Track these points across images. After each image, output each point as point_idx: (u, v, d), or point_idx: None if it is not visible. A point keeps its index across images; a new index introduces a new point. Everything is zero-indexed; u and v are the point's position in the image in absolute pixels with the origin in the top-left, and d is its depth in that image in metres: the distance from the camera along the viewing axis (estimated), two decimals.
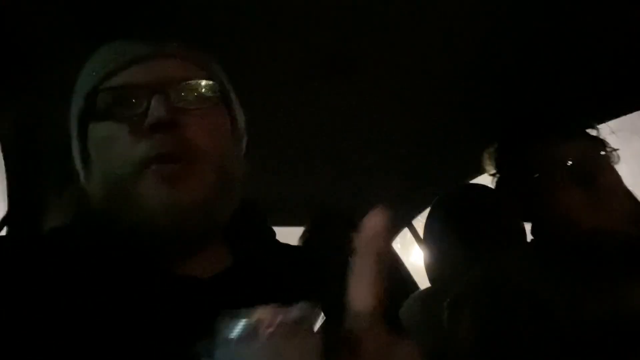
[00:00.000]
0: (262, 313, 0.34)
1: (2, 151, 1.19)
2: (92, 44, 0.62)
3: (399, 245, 2.34)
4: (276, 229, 0.73)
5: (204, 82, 0.59)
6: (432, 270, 1.48)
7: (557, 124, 0.99)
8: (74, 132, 0.61)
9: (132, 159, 0.54)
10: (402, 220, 2.13)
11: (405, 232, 2.19)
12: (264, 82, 1.04)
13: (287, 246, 0.72)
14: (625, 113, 1.27)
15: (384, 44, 1.02)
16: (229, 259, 0.62)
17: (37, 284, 0.50)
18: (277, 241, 0.71)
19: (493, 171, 1.10)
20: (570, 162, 0.95)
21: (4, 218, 1.23)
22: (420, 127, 1.46)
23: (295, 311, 0.35)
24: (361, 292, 0.41)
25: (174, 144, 0.54)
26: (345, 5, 0.89)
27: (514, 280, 0.96)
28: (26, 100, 1.08)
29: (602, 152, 0.98)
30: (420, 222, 1.97)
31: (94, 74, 0.59)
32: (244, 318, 0.34)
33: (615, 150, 1.01)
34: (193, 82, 0.58)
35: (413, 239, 2.16)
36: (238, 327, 0.33)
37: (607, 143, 1.01)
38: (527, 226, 1.13)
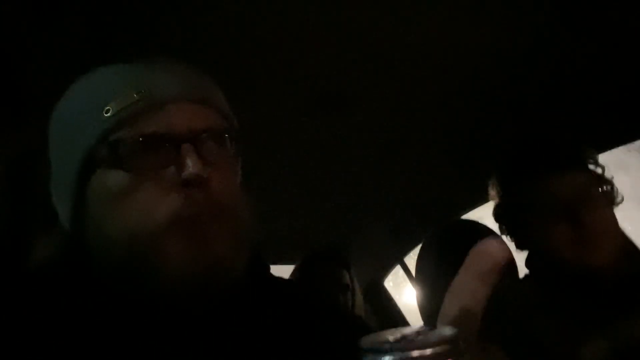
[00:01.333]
0: (407, 336, 0.33)
1: None
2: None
3: (391, 284, 2.31)
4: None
5: (226, 133, 0.56)
6: (424, 309, 1.46)
7: (552, 158, 1.00)
8: (71, 175, 0.53)
9: (158, 216, 0.49)
10: (394, 258, 2.11)
11: (398, 269, 2.17)
12: (257, 120, 1.05)
13: (282, 280, 0.70)
14: (610, 147, 1.29)
15: (378, 82, 1.04)
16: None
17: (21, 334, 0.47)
18: (272, 275, 0.69)
19: (495, 196, 1.10)
20: (562, 197, 0.95)
21: None
22: (412, 164, 1.47)
23: (439, 334, 0.34)
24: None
25: (205, 203, 0.50)
26: (340, 45, 0.91)
27: (509, 317, 0.95)
28: (18, 140, 1.08)
29: (598, 189, 0.98)
30: (412, 259, 1.96)
31: (105, 114, 0.51)
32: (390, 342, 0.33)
33: (611, 188, 1.00)
34: (217, 132, 0.54)
35: (405, 277, 2.14)
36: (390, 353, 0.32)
37: (606, 179, 1.01)
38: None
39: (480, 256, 0.92)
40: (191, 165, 0.50)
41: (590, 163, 1.01)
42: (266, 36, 0.89)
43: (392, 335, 0.34)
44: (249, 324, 0.55)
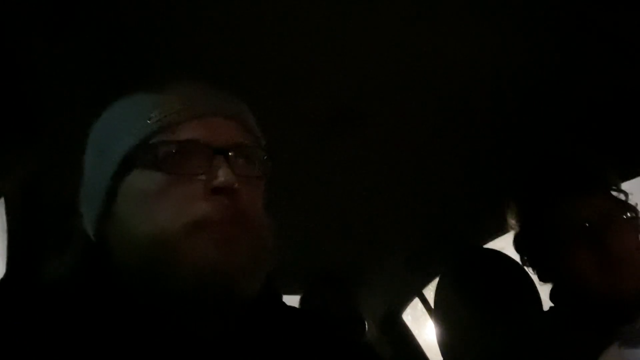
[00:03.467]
0: None
1: (5, 209, 1.19)
2: (98, 101, 0.62)
3: (409, 318, 2.23)
4: None
5: (258, 151, 0.60)
6: (444, 343, 1.40)
7: (574, 182, 0.96)
8: (106, 176, 0.57)
9: (184, 218, 0.51)
10: (411, 290, 2.05)
11: (417, 303, 2.10)
12: (268, 139, 1.05)
13: (293, 309, 0.71)
14: (636, 175, 1.24)
15: (394, 102, 1.03)
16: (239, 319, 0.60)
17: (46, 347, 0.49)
18: (284, 304, 0.70)
19: (515, 225, 1.06)
20: (586, 223, 0.91)
21: (2, 280, 1.20)
22: (431, 189, 1.44)
23: None
24: None
25: (231, 210, 0.53)
26: (355, 62, 0.91)
27: (533, 352, 0.90)
28: (32, 158, 1.10)
29: (623, 216, 0.94)
30: (432, 292, 1.90)
31: (148, 121, 0.56)
32: None
33: (636, 214, 0.96)
34: (250, 148, 0.58)
35: (424, 310, 2.07)
36: None
37: (630, 206, 0.97)
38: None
39: None
40: (222, 175, 0.53)
41: (614, 189, 0.98)
42: (280, 54, 0.89)
43: None
44: (257, 347, 0.56)
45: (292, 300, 1.73)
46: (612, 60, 0.96)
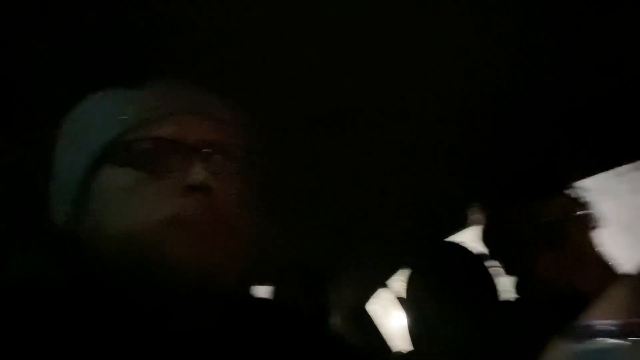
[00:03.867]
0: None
1: None
2: (64, 95, 0.61)
3: (377, 307, 2.28)
4: None
5: (238, 149, 0.59)
6: (411, 332, 1.44)
7: (535, 183, 1.01)
8: (79, 172, 0.56)
9: (158, 215, 0.52)
10: (380, 281, 2.09)
11: (383, 292, 2.15)
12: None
13: (265, 301, 0.75)
14: (598, 172, 1.31)
15: (375, 102, 1.05)
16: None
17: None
18: (256, 296, 0.72)
19: (480, 226, 1.11)
20: (543, 222, 0.96)
21: None
22: (402, 186, 1.47)
23: None
24: None
25: (207, 208, 0.53)
26: (341, 63, 0.92)
27: (493, 340, 0.95)
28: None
29: (580, 214, 0.99)
30: (399, 282, 1.94)
31: (125, 117, 0.56)
32: None
33: (591, 212, 1.02)
34: (227, 146, 0.58)
35: (392, 299, 2.12)
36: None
37: (585, 204, 1.03)
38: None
39: None
40: (197, 173, 0.53)
41: (573, 188, 1.03)
42: (264, 52, 0.89)
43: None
44: (229, 340, 0.57)
45: (264, 290, 1.74)
46: (577, 67, 1.01)
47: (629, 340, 0.32)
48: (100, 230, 0.54)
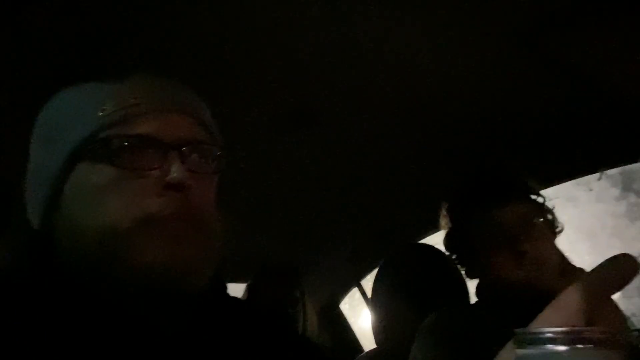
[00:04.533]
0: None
1: None
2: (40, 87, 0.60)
3: (347, 306, 2.31)
4: None
5: (214, 148, 0.59)
6: (378, 331, 1.47)
7: (498, 190, 1.03)
8: (54, 167, 0.55)
9: (136, 213, 0.51)
10: (351, 280, 2.12)
11: (355, 292, 2.17)
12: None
13: (236, 300, 0.71)
14: (561, 181, 1.36)
15: (343, 102, 1.06)
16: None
17: None
18: (228, 295, 0.70)
19: (446, 225, 1.13)
20: (506, 227, 0.98)
21: None
22: (373, 188, 1.49)
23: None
24: None
25: (183, 207, 0.52)
26: (309, 62, 0.93)
27: (455, 342, 0.97)
28: None
29: (540, 219, 1.01)
30: (370, 282, 1.97)
31: (101, 113, 0.54)
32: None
33: (552, 217, 1.05)
34: (205, 145, 0.58)
35: (362, 299, 2.15)
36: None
37: (548, 210, 1.05)
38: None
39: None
40: (175, 171, 0.52)
41: (534, 194, 1.06)
42: (233, 51, 0.89)
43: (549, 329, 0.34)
44: (202, 339, 0.56)
45: (238, 288, 1.74)
46: (542, 82, 1.04)
47: (575, 348, 0.32)
48: (74, 227, 0.53)
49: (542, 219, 1.02)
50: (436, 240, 1.57)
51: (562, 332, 0.33)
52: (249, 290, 1.71)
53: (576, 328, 0.34)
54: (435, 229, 1.55)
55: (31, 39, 0.79)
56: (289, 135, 1.16)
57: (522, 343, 0.35)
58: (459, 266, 1.13)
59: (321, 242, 1.85)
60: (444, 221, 1.13)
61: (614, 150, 1.23)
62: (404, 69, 1.00)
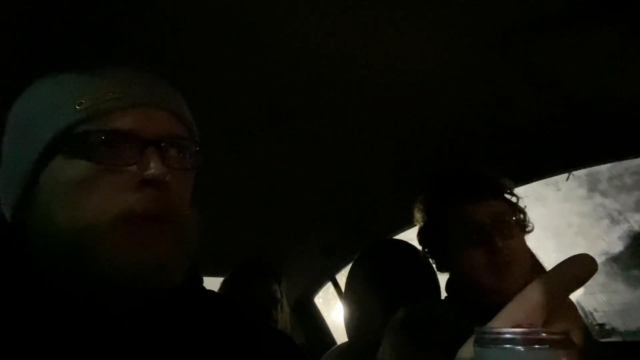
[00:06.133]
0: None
1: None
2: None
3: (321, 300, 2.32)
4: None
5: (192, 143, 0.59)
6: (351, 325, 1.48)
7: (470, 186, 1.05)
8: (28, 161, 0.53)
9: (113, 209, 0.50)
10: (325, 274, 2.13)
11: (329, 286, 2.19)
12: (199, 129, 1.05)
13: (212, 294, 0.71)
14: (529, 181, 1.39)
15: (319, 100, 1.07)
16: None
17: None
18: (204, 288, 0.70)
19: (419, 220, 1.14)
20: (478, 224, 1.00)
21: None
22: (348, 183, 1.50)
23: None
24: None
25: (161, 203, 0.52)
26: (289, 57, 0.93)
27: (422, 335, 0.99)
28: None
29: (512, 217, 1.04)
30: (344, 276, 1.99)
31: (77, 106, 0.52)
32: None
33: (524, 216, 1.07)
34: (184, 141, 0.57)
35: (336, 294, 2.17)
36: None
37: (520, 208, 1.08)
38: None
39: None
40: (153, 166, 0.52)
41: (506, 193, 1.08)
42: (211, 46, 0.89)
43: (504, 328, 0.35)
44: (176, 333, 0.56)
45: (214, 282, 1.73)
46: (513, 84, 1.07)
47: (531, 349, 0.33)
48: (48, 221, 0.52)
49: (514, 218, 1.04)
50: (410, 236, 1.60)
51: (519, 333, 0.34)
52: (225, 285, 1.70)
53: (533, 329, 0.35)
54: (409, 224, 1.59)
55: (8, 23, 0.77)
56: (266, 131, 1.16)
57: (481, 341, 0.36)
58: (430, 260, 1.15)
59: (296, 237, 1.86)
60: (418, 214, 1.14)
61: (582, 152, 1.27)
62: (380, 68, 1.01)
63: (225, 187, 1.33)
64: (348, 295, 1.51)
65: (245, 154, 1.24)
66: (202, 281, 0.71)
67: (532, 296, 0.39)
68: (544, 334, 0.34)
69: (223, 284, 1.71)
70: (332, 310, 2.59)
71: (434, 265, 1.15)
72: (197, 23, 0.83)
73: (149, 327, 0.55)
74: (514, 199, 1.09)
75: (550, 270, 0.39)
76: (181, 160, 0.57)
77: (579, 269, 0.39)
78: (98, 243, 0.49)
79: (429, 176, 1.14)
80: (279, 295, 1.66)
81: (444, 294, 1.17)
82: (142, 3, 0.78)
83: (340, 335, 2.02)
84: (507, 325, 0.36)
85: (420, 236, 1.15)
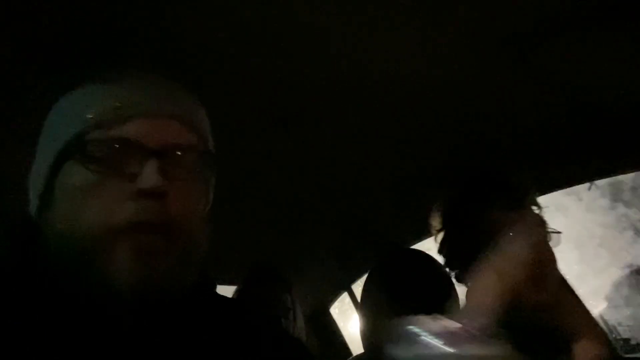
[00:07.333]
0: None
1: None
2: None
3: (337, 311, 2.30)
4: None
5: (197, 153, 0.58)
6: (366, 336, 1.46)
7: (500, 197, 1.02)
8: (45, 165, 0.56)
9: (112, 219, 0.51)
10: (341, 285, 2.12)
11: (345, 297, 2.17)
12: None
13: (226, 299, 0.71)
14: (552, 190, 1.37)
15: (337, 104, 1.06)
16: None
17: None
18: (217, 294, 0.70)
19: (439, 227, 1.12)
20: (510, 233, 0.95)
21: None
22: (364, 191, 1.49)
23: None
24: None
25: (159, 214, 0.52)
26: (299, 63, 0.93)
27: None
28: None
29: (541, 229, 1.00)
30: (360, 287, 1.97)
31: (89, 116, 0.55)
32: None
33: (555, 231, 1.04)
34: (189, 151, 0.57)
35: (352, 304, 2.14)
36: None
37: (544, 220, 1.05)
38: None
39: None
40: (150, 177, 0.52)
41: (533, 203, 1.05)
42: (222, 50, 0.89)
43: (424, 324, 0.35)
44: (185, 341, 0.56)
45: (228, 290, 1.73)
46: (535, 92, 1.05)
47: (454, 349, 0.33)
48: (58, 225, 0.54)
49: (542, 228, 1.01)
50: (427, 246, 1.58)
51: (446, 334, 0.34)
52: (239, 293, 1.69)
53: (448, 329, 0.35)
54: (427, 234, 1.56)
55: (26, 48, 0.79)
56: (278, 136, 1.16)
57: (395, 335, 0.35)
58: (448, 270, 1.13)
59: (312, 246, 1.85)
60: (439, 225, 1.12)
61: (604, 161, 1.24)
62: (395, 73, 1.00)
63: (238, 194, 1.34)
64: (364, 305, 1.49)
65: (259, 159, 1.24)
66: (215, 286, 0.70)
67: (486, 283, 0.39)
68: (458, 332, 0.33)
69: (235, 293, 1.71)
70: (349, 321, 2.56)
71: (452, 276, 1.13)
72: (211, 26, 0.84)
73: (151, 331, 0.55)
74: (538, 210, 1.06)
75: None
76: (185, 170, 0.57)
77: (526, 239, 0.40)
78: (95, 251, 0.51)
79: (447, 185, 1.12)
80: (289, 304, 1.64)
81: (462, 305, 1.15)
82: (156, 8, 0.79)
83: (356, 347, 1.99)
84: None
85: (442, 245, 1.12)
